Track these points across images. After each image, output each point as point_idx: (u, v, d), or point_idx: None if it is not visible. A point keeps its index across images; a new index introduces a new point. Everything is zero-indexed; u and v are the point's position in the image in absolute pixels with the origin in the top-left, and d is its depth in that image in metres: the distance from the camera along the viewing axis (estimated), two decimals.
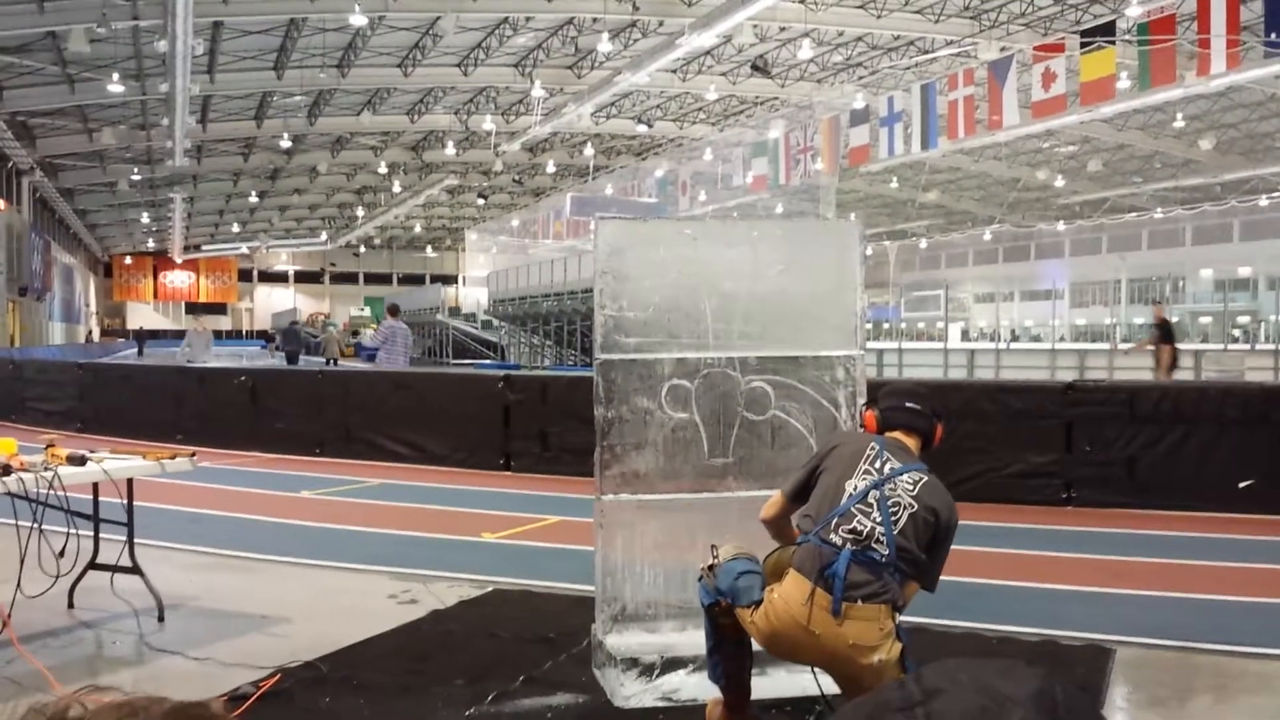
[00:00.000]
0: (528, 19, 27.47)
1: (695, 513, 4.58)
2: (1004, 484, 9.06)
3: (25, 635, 4.88)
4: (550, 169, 46.34)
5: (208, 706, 0.96)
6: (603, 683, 4.43)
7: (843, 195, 42.55)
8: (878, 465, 3.68)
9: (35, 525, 4.93)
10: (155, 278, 74.19)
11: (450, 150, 40.44)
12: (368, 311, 64.21)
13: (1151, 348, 18.99)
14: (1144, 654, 4.99)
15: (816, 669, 3.73)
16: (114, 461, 5.31)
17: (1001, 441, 9.18)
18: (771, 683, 4.15)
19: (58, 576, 5.16)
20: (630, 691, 4.29)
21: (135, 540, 5.54)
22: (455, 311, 44.29)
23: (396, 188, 49.52)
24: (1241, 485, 8.48)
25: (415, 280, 73.81)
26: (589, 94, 30.72)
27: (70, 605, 5.56)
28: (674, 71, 31.60)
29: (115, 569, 5.54)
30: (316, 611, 5.71)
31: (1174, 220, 48.91)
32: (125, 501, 5.48)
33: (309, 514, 8.88)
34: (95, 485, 5.42)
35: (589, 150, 42.61)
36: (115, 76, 26.93)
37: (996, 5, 26.40)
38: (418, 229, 69.67)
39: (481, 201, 56.17)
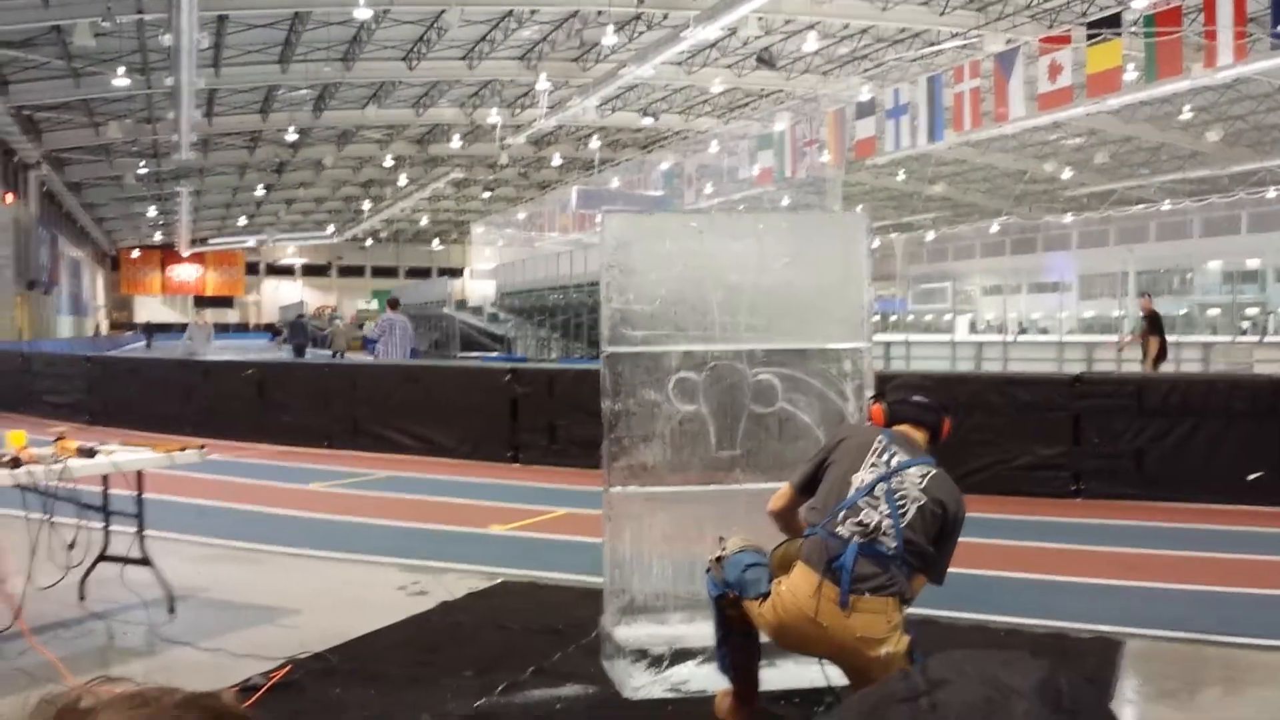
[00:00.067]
0: (532, 12, 27.42)
1: (703, 505, 4.59)
2: (1012, 476, 9.06)
3: (37, 627, 4.91)
4: (556, 162, 46.28)
5: (219, 697, 0.96)
6: (611, 674, 4.45)
7: (849, 188, 42.46)
8: (885, 458, 3.68)
9: (46, 518, 4.95)
10: (163, 271, 74.27)
11: (455, 143, 40.34)
12: (374, 305, 64.24)
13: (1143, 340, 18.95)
14: (1153, 646, 4.99)
15: (824, 661, 3.74)
16: (124, 454, 5.33)
17: (1009, 434, 9.17)
18: (780, 674, 4.16)
19: (68, 568, 5.19)
20: (639, 683, 4.30)
21: (145, 532, 5.57)
22: (462, 305, 44.24)
23: (402, 181, 49.45)
24: (1250, 477, 8.47)
25: (422, 273, 73.80)
26: (594, 87, 30.66)
27: (81, 597, 5.58)
28: (679, 64, 31.51)
29: (125, 561, 5.56)
30: (326, 603, 5.74)
31: (1182, 212, 48.73)
32: (135, 494, 5.50)
33: (318, 506, 8.91)
34: (105, 478, 5.44)
35: (594, 143, 42.55)
36: (120, 70, 26.94)
37: None
38: (424, 222, 69.65)
39: (487, 195, 56.14)
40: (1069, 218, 53.01)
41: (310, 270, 79.48)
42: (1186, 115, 34.40)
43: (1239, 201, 45.28)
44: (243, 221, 63.63)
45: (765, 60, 30.95)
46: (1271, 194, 43.52)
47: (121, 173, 42.99)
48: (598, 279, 4.68)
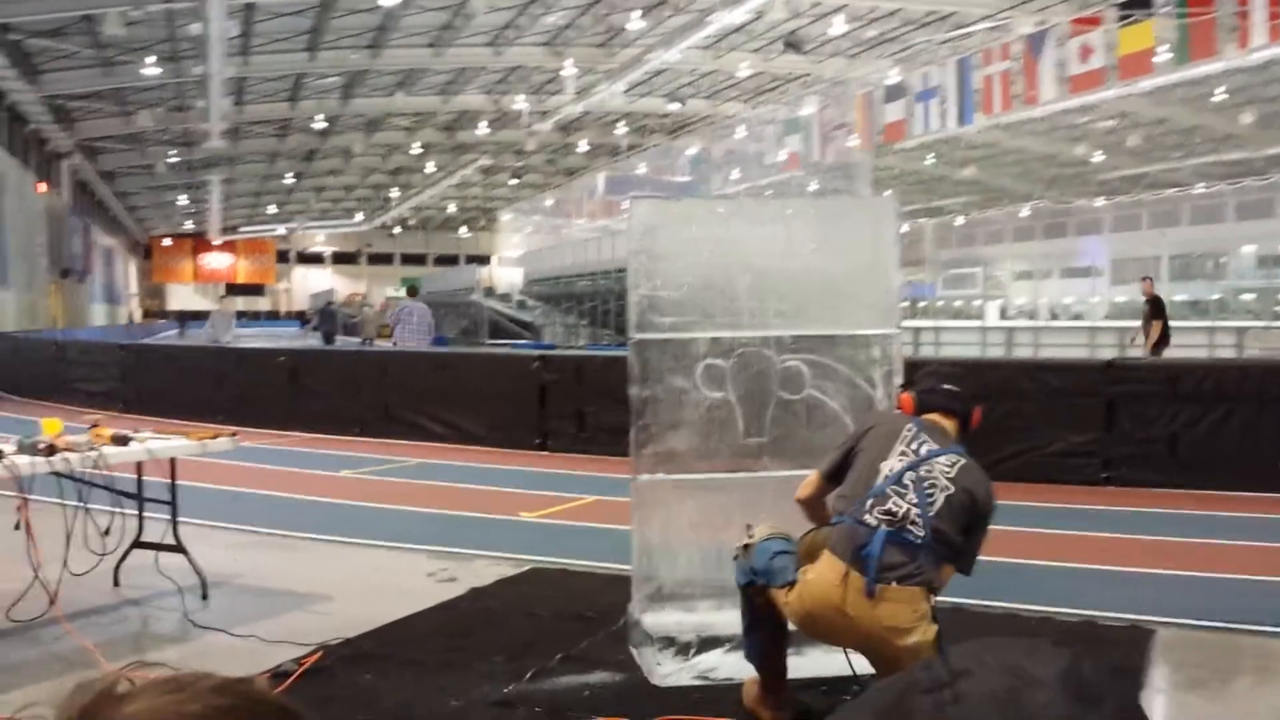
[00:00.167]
0: None
1: (730, 492, 4.58)
2: (1043, 463, 9.01)
3: (72, 613, 4.98)
4: (583, 148, 46.21)
5: (252, 682, 0.97)
6: (639, 661, 4.46)
7: (878, 172, 42.12)
8: (914, 447, 3.66)
9: (81, 505, 5.02)
10: (194, 259, 74.78)
11: (483, 130, 40.35)
12: (402, 292, 64.43)
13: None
14: (1185, 635, 4.95)
15: (849, 651, 3.72)
16: (157, 441, 5.39)
17: (1040, 420, 9.11)
18: (808, 662, 4.15)
19: (103, 555, 5.25)
20: (667, 670, 4.31)
21: (178, 519, 5.63)
22: (490, 292, 44.32)
23: (430, 168, 49.53)
24: None
25: (450, 260, 73.94)
26: (620, 72, 30.59)
27: (116, 583, 5.66)
28: (706, 49, 31.35)
29: (159, 547, 5.63)
30: (357, 589, 5.78)
31: (1216, 196, 48.08)
32: (169, 481, 5.56)
33: (348, 493, 8.98)
34: (139, 465, 5.50)
35: (621, 129, 42.46)
36: (150, 59, 27.09)
37: None
38: (452, 209, 69.76)
39: (514, 182, 56.15)
40: (1101, 201, 52.45)
41: (340, 258, 79.85)
42: (1220, 97, 33.92)
43: (1274, 185, 44.59)
44: (273, 209, 63.96)
45: (792, 44, 30.72)
46: None
47: (152, 161, 43.29)
48: (625, 265, 4.67)
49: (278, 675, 4.24)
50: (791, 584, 3.63)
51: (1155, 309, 18.31)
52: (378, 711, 4.03)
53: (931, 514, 3.52)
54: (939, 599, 3.60)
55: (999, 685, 1.36)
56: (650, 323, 4.57)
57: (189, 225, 68.23)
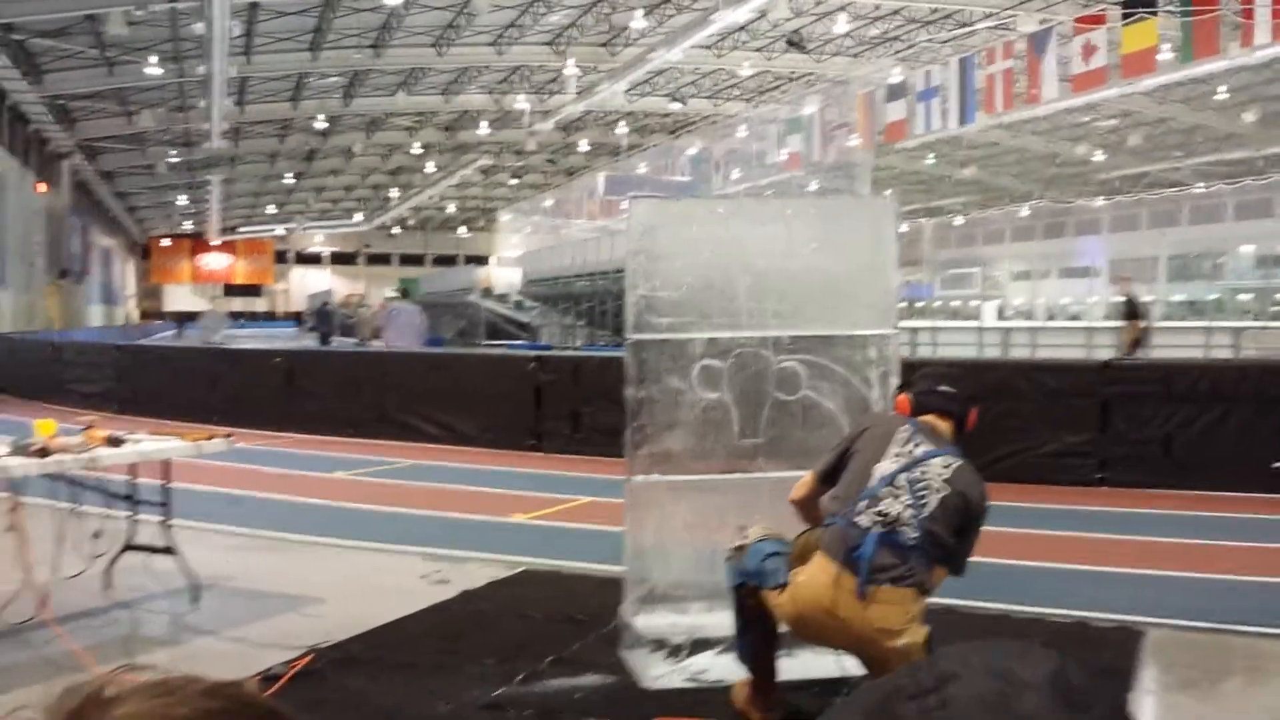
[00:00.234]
0: None
1: (725, 493, 4.57)
2: (1038, 463, 8.98)
3: (62, 616, 4.95)
4: (583, 148, 46.21)
5: (242, 686, 0.96)
6: (630, 664, 4.44)
7: (879, 172, 42.12)
8: (909, 448, 3.64)
9: (73, 507, 5.00)
10: (192, 260, 74.73)
11: (484, 130, 40.34)
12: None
13: (1144, 325, 18.16)
14: (1176, 636, 4.93)
15: (840, 653, 3.70)
16: (151, 443, 5.37)
17: (1036, 420, 9.09)
18: (799, 664, 4.13)
19: (94, 557, 5.23)
20: (658, 672, 4.29)
21: (171, 521, 5.60)
22: (488, 292, 44.30)
23: (430, 168, 49.53)
24: (1276, 465, 8.35)
25: (448, 261, 73.86)
26: (622, 71, 30.58)
27: (106, 586, 5.63)
28: (708, 48, 31.36)
29: (151, 549, 5.61)
30: (349, 591, 5.76)
31: (1215, 195, 48.10)
32: (162, 482, 5.54)
33: (342, 495, 8.95)
34: (133, 466, 5.48)
35: (622, 128, 42.46)
36: (153, 59, 27.09)
37: None
38: (451, 209, 69.78)
39: (514, 182, 56.15)
40: (1100, 201, 52.47)
41: (338, 258, 79.83)
42: (1222, 96, 33.92)
43: (1274, 184, 44.60)
44: (272, 210, 63.96)
45: (795, 43, 30.73)
46: None
47: (153, 161, 43.30)
48: (624, 266, 4.66)
49: (267, 678, 4.22)
50: (783, 586, 3.61)
51: (1131, 309, 17.99)
52: (367, 715, 4.01)
53: (924, 515, 3.50)
54: (930, 600, 3.58)
55: (987, 689, 1.33)
56: (648, 323, 4.55)
57: (188, 225, 68.23)
